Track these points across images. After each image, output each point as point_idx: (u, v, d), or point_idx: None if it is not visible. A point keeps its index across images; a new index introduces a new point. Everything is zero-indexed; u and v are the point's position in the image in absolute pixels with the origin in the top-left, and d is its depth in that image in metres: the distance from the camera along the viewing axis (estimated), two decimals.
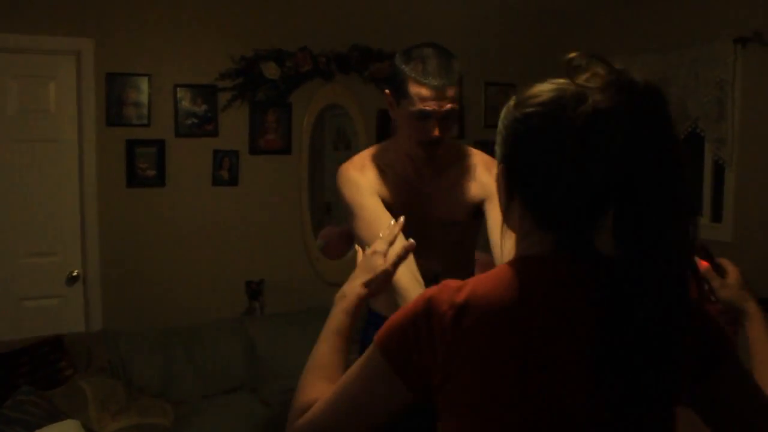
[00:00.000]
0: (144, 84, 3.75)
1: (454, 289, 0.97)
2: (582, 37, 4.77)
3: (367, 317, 2.07)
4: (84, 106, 3.63)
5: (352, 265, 1.38)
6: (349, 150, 4.47)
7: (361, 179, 1.89)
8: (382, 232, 1.38)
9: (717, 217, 3.92)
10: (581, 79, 0.95)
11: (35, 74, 3.57)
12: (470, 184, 1.95)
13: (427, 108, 1.73)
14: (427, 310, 0.96)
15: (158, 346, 3.50)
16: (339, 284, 4.62)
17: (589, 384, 0.91)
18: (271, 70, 3.96)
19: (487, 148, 5.19)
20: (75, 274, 3.71)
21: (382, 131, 4.42)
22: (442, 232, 1.94)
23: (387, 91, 1.86)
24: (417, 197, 1.93)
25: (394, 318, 1.01)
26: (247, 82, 3.95)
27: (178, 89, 3.84)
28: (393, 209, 1.82)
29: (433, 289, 0.99)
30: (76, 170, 3.68)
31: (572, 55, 0.98)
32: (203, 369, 3.51)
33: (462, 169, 1.97)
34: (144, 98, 3.75)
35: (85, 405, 2.86)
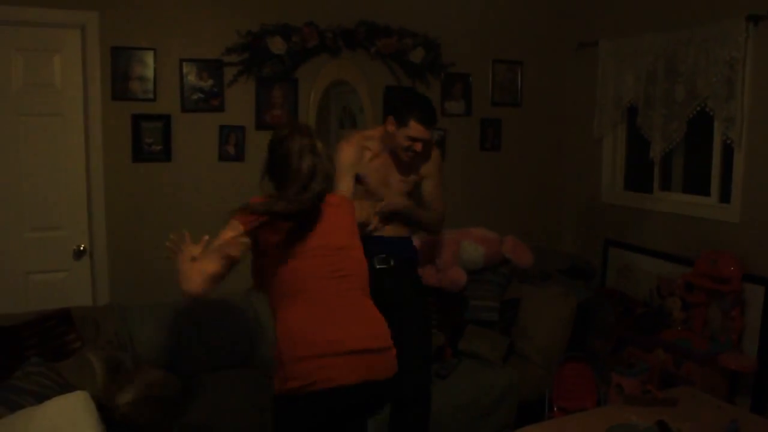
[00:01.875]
0: (149, 58, 3.73)
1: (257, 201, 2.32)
2: (590, 15, 4.73)
3: None
4: (89, 80, 3.62)
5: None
6: (355, 127, 4.45)
7: (344, 156, 3.09)
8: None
9: (725, 197, 3.90)
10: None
11: (40, 48, 3.55)
12: (417, 171, 3.18)
13: (418, 136, 2.98)
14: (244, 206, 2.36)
15: (165, 319, 3.51)
16: None
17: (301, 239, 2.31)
18: (277, 44, 3.93)
19: (494, 125, 5.19)
20: (82, 248, 3.73)
21: (388, 108, 4.40)
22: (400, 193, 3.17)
23: (390, 117, 3.02)
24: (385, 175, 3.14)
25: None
26: (253, 57, 3.93)
27: (184, 64, 3.82)
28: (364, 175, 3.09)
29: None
30: (82, 145, 3.68)
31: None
32: (210, 343, 3.52)
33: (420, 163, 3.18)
34: (149, 73, 3.74)
35: (93, 377, 2.88)
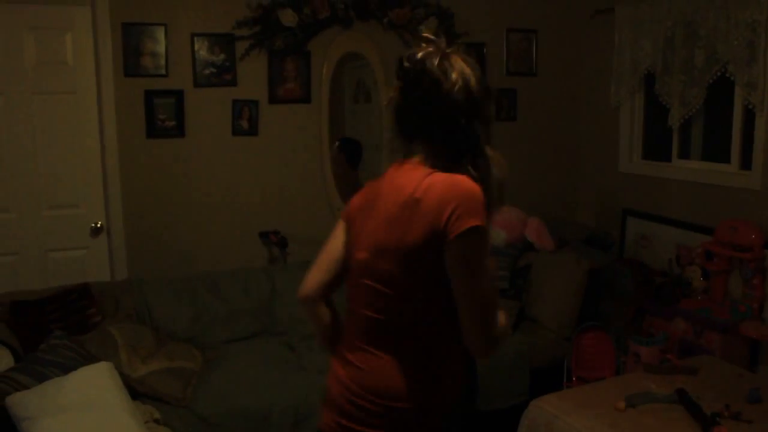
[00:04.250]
0: (160, 34, 3.71)
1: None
2: None
3: None
4: (101, 57, 3.61)
5: None
6: (369, 102, 4.41)
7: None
8: None
9: (746, 164, 3.83)
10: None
11: (51, 26, 3.54)
12: None
13: None
14: None
15: (183, 293, 3.55)
16: None
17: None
18: (288, 17, 3.89)
19: (509, 95, 5.07)
20: (99, 225, 3.75)
21: None
22: None
23: None
24: None
25: None
26: (264, 30, 3.90)
27: (196, 39, 3.80)
28: None
29: None
30: (96, 122, 3.68)
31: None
32: (228, 314, 3.56)
33: None
34: (161, 48, 3.72)
35: (115, 349, 2.92)
